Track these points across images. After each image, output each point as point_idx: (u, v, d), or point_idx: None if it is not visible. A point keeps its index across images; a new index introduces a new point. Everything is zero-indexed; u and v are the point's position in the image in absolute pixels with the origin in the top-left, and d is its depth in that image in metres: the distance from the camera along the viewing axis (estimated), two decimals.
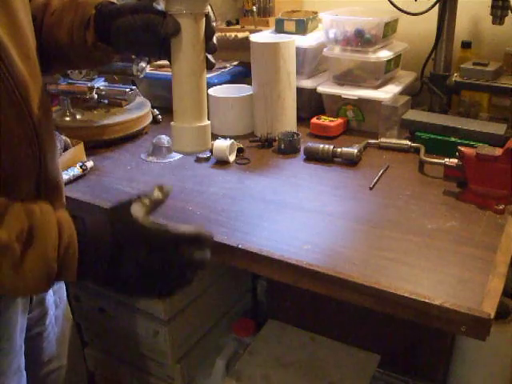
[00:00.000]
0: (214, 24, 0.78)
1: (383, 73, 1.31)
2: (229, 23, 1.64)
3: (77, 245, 0.60)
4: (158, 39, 0.75)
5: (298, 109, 1.33)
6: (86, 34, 0.78)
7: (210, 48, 0.78)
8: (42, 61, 0.80)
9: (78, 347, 1.02)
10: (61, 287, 0.98)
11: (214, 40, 0.79)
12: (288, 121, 1.30)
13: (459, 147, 0.99)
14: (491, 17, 1.23)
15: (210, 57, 0.78)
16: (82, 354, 1.03)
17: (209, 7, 0.76)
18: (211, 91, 1.34)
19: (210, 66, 0.79)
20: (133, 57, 1.32)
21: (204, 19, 0.76)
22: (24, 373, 0.85)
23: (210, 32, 0.77)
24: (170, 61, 0.78)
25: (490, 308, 0.70)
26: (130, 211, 0.64)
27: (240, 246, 0.86)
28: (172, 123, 0.81)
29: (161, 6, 0.75)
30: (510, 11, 1.21)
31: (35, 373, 0.90)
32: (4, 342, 0.79)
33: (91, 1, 0.79)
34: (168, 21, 0.73)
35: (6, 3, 0.67)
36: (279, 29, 1.43)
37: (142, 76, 1.37)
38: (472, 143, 1.10)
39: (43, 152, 0.74)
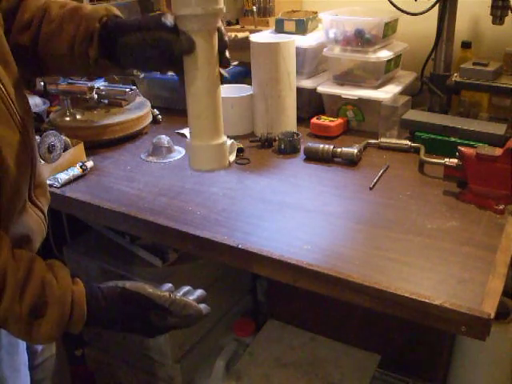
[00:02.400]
0: (227, 38, 0.76)
1: (383, 73, 1.31)
2: (229, 23, 1.64)
3: (84, 321, 0.68)
4: (169, 57, 0.73)
5: (298, 109, 1.33)
6: (88, 49, 0.76)
7: (223, 62, 0.76)
8: (36, 66, 0.80)
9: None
10: None
11: (227, 54, 0.76)
12: (288, 121, 1.30)
13: (459, 147, 0.99)
14: (491, 17, 1.23)
15: (222, 70, 0.76)
16: (62, 341, 1.04)
17: (220, 21, 0.74)
18: None
19: (223, 80, 0.76)
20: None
21: (217, 34, 0.73)
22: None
23: (222, 46, 0.75)
24: (181, 78, 0.75)
25: (489, 308, 0.70)
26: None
27: (240, 246, 0.86)
28: (188, 141, 0.79)
29: (169, 21, 0.72)
30: (510, 11, 1.21)
31: (31, 363, 0.90)
32: (9, 338, 0.80)
33: (95, 14, 0.77)
34: (182, 39, 0.71)
35: None
36: (279, 29, 1.43)
37: (142, 76, 1.37)
38: (472, 143, 1.10)
39: (33, 153, 0.74)
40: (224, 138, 0.79)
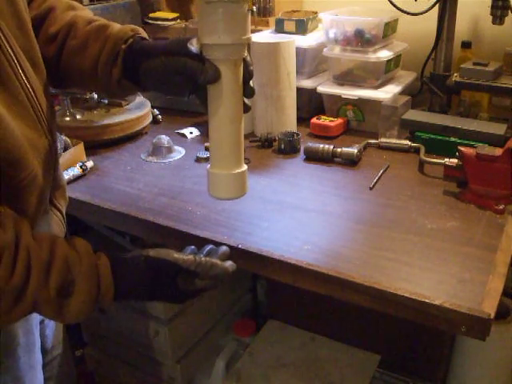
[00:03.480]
0: (252, 67, 0.75)
1: (383, 73, 1.31)
2: None
3: (114, 292, 0.66)
4: (192, 84, 0.72)
5: (298, 109, 1.33)
6: (112, 69, 0.76)
7: (247, 92, 0.75)
8: (58, 78, 0.80)
9: (64, 334, 1.02)
10: None
11: (251, 83, 0.75)
12: (288, 121, 1.30)
13: (459, 147, 0.99)
14: (491, 17, 1.23)
15: (246, 100, 0.75)
16: (67, 340, 1.04)
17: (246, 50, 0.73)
18: None
19: (246, 110, 0.75)
20: None
21: (242, 64, 0.72)
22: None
23: (248, 76, 0.74)
24: (204, 104, 0.75)
25: (490, 308, 0.70)
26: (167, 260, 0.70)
27: (240, 246, 0.86)
28: (209, 169, 0.78)
29: (195, 48, 0.71)
30: (510, 11, 1.21)
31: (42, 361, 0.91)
32: (26, 337, 0.80)
33: (121, 34, 0.76)
34: (207, 67, 0.69)
35: (17, 10, 0.67)
36: (279, 29, 1.43)
37: None
38: (472, 143, 1.09)
39: (57, 157, 0.75)
40: (244, 167, 0.77)
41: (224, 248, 0.76)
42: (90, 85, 0.81)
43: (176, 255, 0.70)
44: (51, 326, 0.95)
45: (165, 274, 0.69)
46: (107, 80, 0.77)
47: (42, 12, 0.79)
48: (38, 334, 0.85)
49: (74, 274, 0.63)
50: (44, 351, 0.92)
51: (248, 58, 0.74)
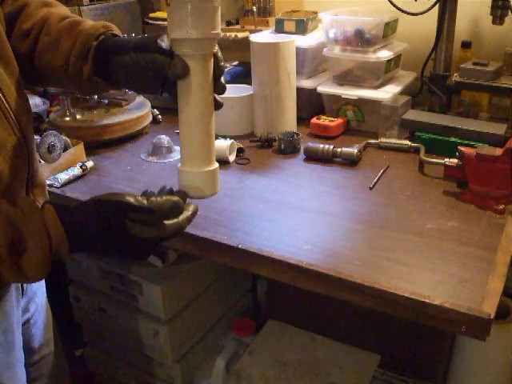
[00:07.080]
0: (223, 63, 0.75)
1: (383, 73, 1.31)
2: (229, 23, 1.64)
3: (66, 239, 0.63)
4: (163, 80, 0.72)
5: (298, 109, 1.33)
6: (82, 66, 0.76)
7: (218, 88, 0.75)
8: (33, 75, 0.80)
9: (56, 332, 1.02)
10: None
11: (222, 80, 0.75)
12: (288, 121, 1.30)
13: (459, 147, 0.99)
14: (491, 17, 1.23)
15: (217, 97, 0.75)
16: (60, 339, 1.04)
17: (217, 46, 0.73)
18: None
19: (217, 106, 0.75)
20: None
21: (212, 59, 0.72)
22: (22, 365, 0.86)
23: (218, 72, 0.74)
24: (175, 101, 0.74)
25: (490, 308, 0.70)
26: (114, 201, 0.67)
27: (240, 246, 0.86)
28: (179, 167, 0.76)
29: (165, 44, 0.71)
30: (510, 11, 1.21)
31: (28, 360, 0.90)
32: (5, 335, 0.80)
33: (92, 31, 0.76)
34: (176, 63, 0.69)
35: None
36: (279, 29, 1.43)
37: None
38: (472, 143, 1.10)
39: (31, 154, 0.74)
40: (216, 165, 0.76)
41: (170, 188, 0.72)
42: (63, 81, 0.81)
43: (127, 196, 0.66)
44: (39, 324, 0.94)
45: (112, 215, 0.65)
46: (78, 76, 0.77)
47: (15, 8, 0.79)
48: (19, 332, 0.84)
49: (20, 230, 0.61)
50: (31, 350, 0.92)
51: (219, 54, 0.74)
